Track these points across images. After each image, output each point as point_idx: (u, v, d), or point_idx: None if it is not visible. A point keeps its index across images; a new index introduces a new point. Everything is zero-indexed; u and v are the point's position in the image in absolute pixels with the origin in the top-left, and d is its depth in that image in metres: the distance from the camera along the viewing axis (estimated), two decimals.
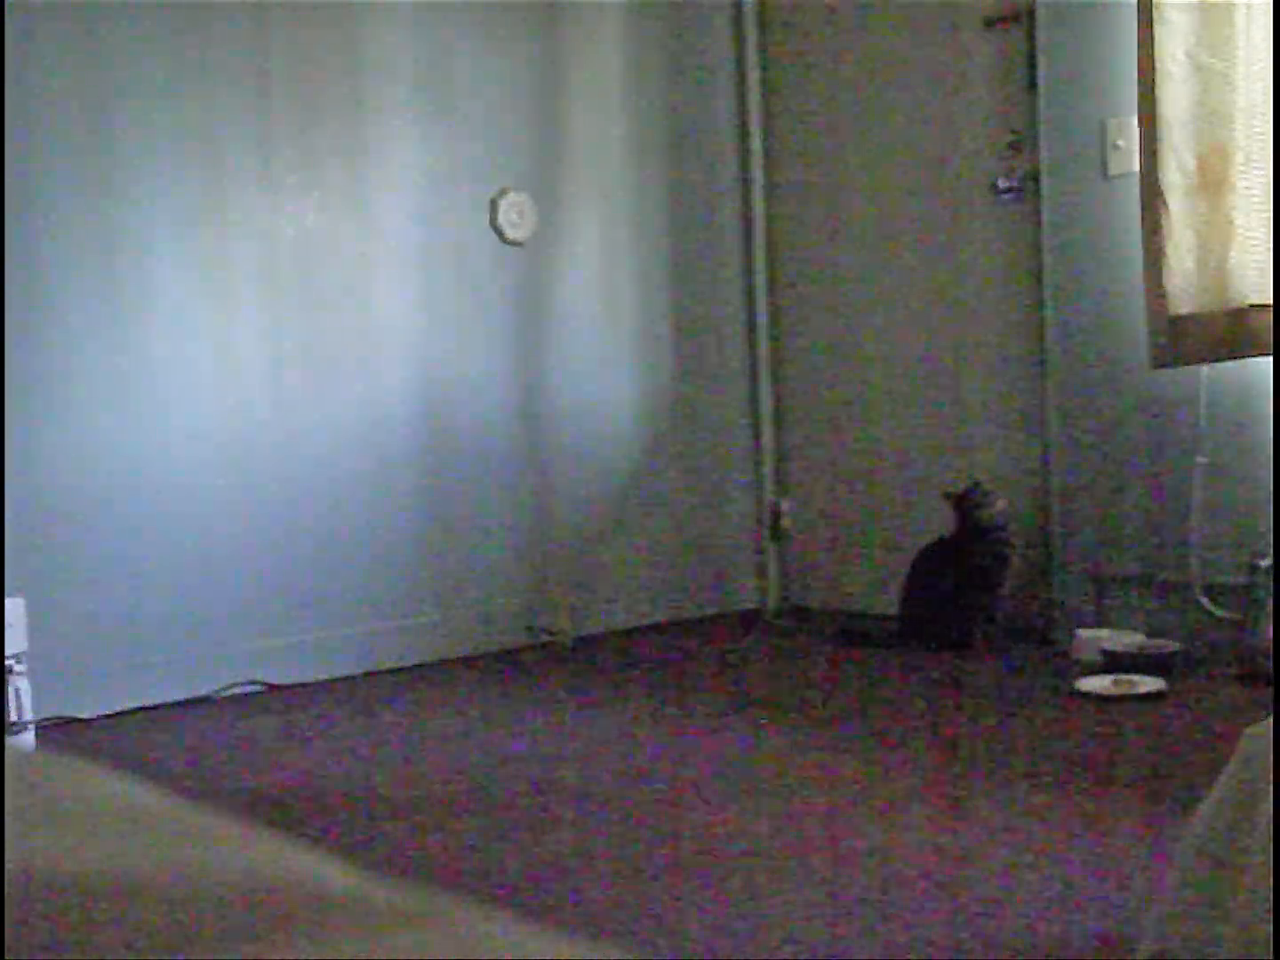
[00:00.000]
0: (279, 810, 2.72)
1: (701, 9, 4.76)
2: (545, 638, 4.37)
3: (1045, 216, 4.11)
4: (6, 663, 3.09)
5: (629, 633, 4.50)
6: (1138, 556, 3.96)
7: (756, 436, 4.89)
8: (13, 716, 3.12)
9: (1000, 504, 4.03)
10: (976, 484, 4.06)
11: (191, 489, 3.80)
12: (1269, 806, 1.30)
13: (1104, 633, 3.83)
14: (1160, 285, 3.62)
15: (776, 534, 4.89)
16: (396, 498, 4.17)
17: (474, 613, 4.30)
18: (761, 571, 4.90)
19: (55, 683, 3.44)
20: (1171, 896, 1.44)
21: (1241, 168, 3.56)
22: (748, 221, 4.85)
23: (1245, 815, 1.36)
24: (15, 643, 3.12)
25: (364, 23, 4.05)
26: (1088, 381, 4.04)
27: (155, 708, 3.66)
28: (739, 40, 4.80)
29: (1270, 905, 1.26)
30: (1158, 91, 3.58)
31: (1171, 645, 3.71)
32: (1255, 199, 3.55)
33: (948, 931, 2.00)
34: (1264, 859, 1.29)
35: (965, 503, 4.03)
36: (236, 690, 3.81)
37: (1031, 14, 4.09)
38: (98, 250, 3.67)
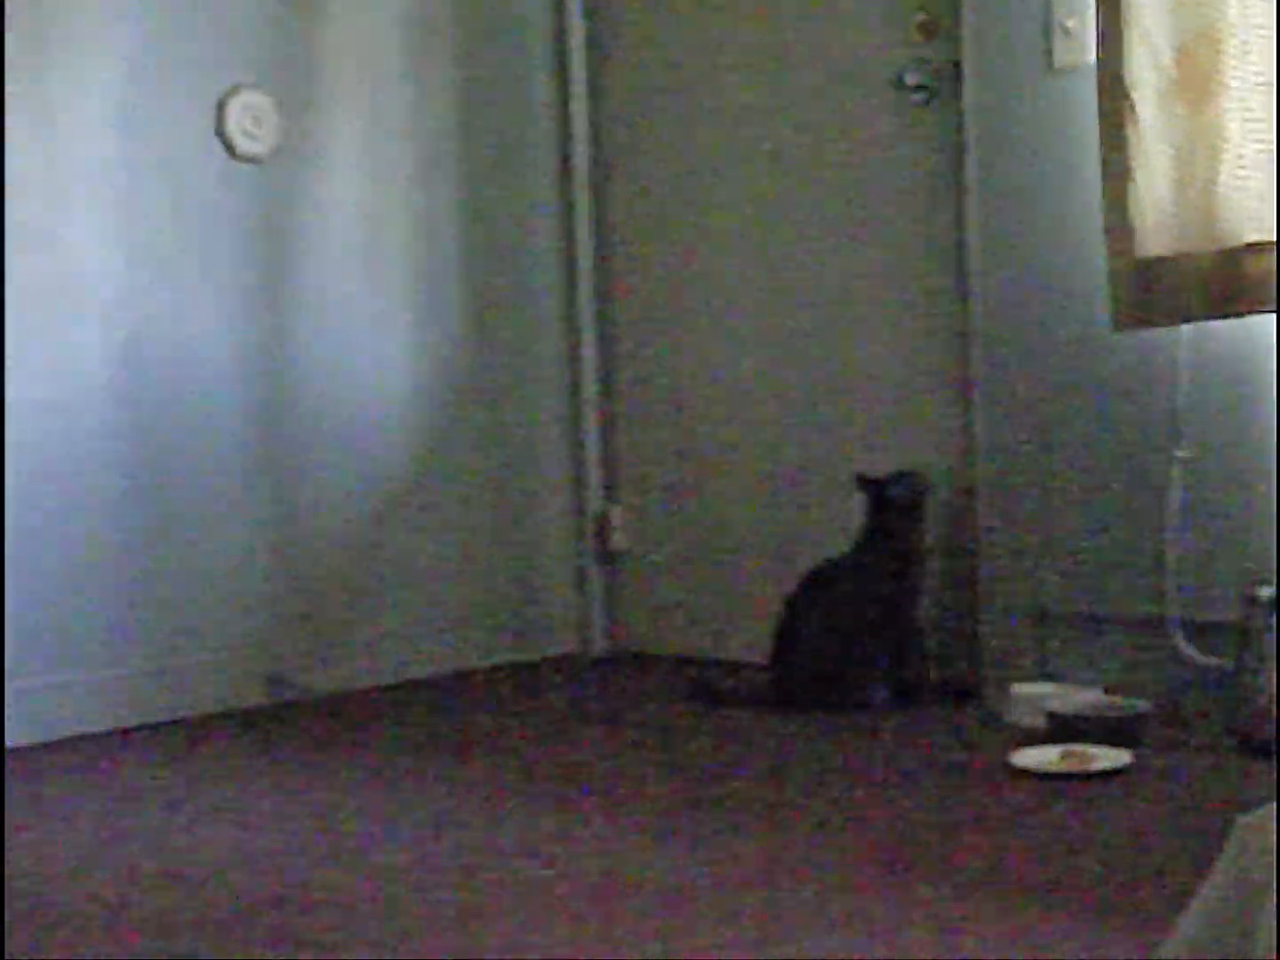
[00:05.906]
0: None
1: None
2: (290, 694, 4.04)
3: (968, 123, 3.78)
4: None
5: (402, 687, 4.18)
6: (1094, 585, 3.68)
7: (577, 423, 4.59)
8: None
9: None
10: (901, 474, 3.77)
11: None
12: (1273, 907, 1.24)
13: (1048, 688, 3.61)
14: (1125, 218, 3.34)
15: (605, 553, 4.60)
16: (91, 505, 3.82)
17: (194, 661, 3.96)
18: (584, 604, 4.59)
19: None
20: None
21: (1235, 59, 3.20)
22: (566, 130, 4.53)
23: (1241, 925, 1.30)
24: None
25: None
26: (1026, 347, 3.73)
27: None
28: None
29: None
30: None
31: (1138, 705, 3.47)
32: (1253, 101, 3.21)
33: None
34: None
35: (879, 495, 3.75)
36: None
37: None
38: None
